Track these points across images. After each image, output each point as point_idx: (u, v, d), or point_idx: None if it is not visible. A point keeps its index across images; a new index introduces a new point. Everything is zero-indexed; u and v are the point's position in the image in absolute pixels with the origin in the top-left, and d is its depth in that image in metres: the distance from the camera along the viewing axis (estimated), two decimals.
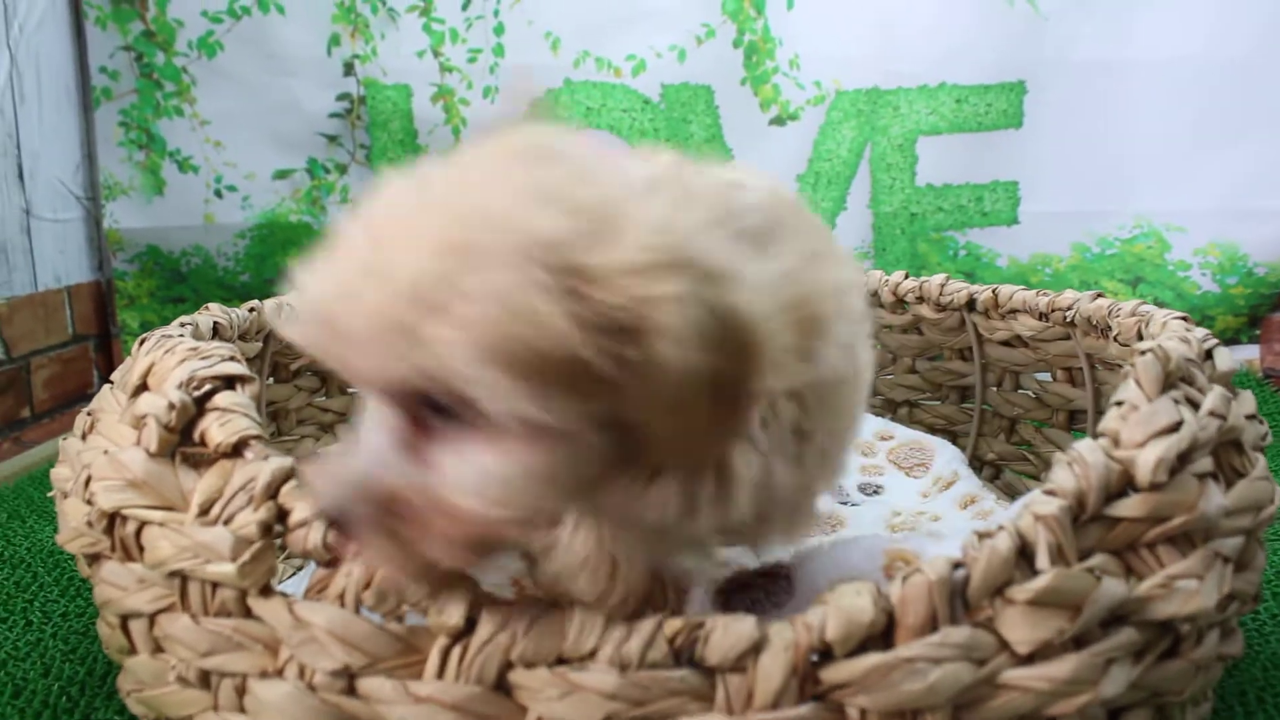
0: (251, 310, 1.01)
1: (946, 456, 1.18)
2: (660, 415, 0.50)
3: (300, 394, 1.19)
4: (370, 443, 0.53)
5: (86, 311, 1.86)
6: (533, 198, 0.49)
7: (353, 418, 1.23)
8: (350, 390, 1.25)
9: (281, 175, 1.89)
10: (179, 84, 1.85)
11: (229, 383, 0.63)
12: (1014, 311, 1.15)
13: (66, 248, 1.82)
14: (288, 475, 0.56)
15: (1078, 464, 0.56)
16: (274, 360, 1.13)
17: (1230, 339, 1.81)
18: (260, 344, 1.06)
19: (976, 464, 1.24)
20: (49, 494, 1.28)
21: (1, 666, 0.83)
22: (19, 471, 1.45)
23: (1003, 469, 1.24)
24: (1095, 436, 1.04)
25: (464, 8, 1.84)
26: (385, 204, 0.53)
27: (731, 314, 0.50)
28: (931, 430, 1.29)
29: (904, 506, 1.07)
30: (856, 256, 1.86)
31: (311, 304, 0.53)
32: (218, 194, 1.88)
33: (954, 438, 1.28)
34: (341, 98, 1.87)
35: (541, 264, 0.47)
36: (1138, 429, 0.58)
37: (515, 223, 0.49)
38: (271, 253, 1.91)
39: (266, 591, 0.55)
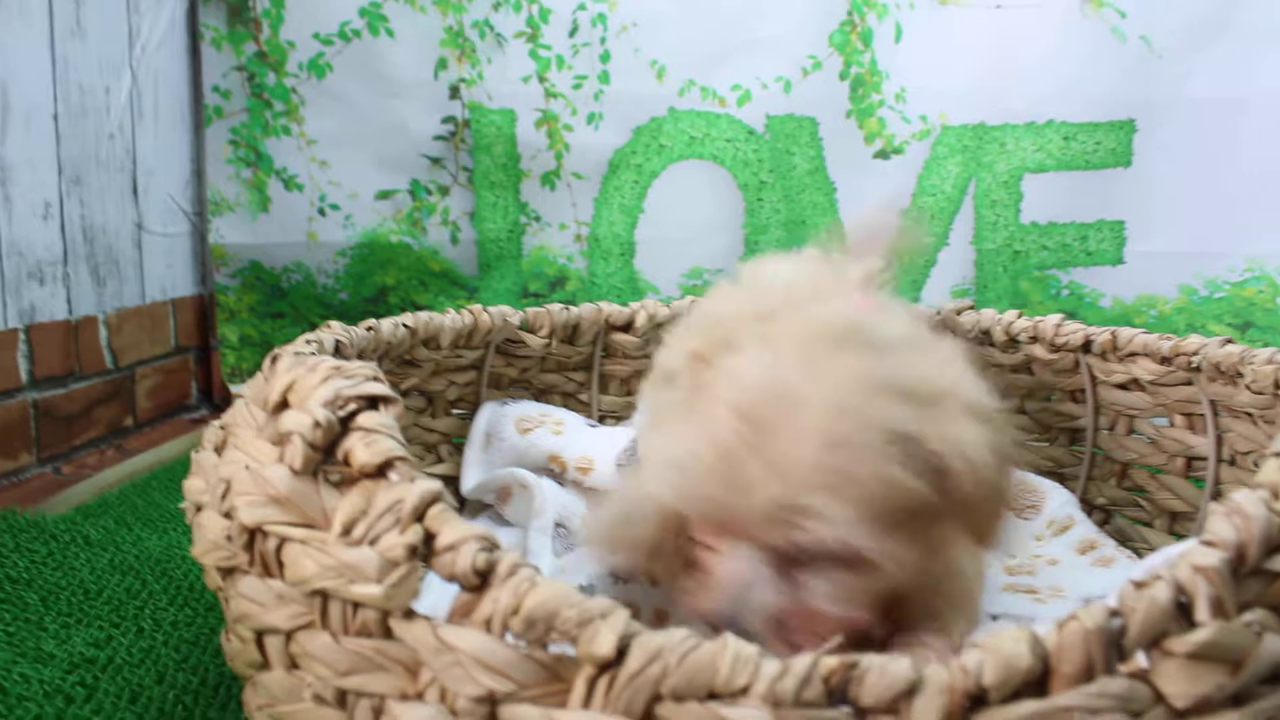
0: (369, 329, 1.02)
1: (1060, 499, 1.15)
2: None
3: (407, 413, 1.20)
4: (742, 569, 0.68)
5: (189, 324, 1.90)
6: (875, 390, 0.66)
7: (456, 438, 1.24)
8: (455, 412, 1.26)
9: (384, 196, 1.92)
10: (288, 104, 1.89)
11: (372, 403, 0.63)
12: (1133, 354, 1.13)
13: (173, 261, 1.86)
14: (435, 498, 0.56)
15: (1237, 515, 0.54)
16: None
17: None
18: (375, 363, 1.07)
19: (1086, 508, 1.21)
20: (161, 501, 1.31)
21: (119, 672, 0.84)
22: (123, 478, 1.47)
23: (1113, 514, 1.21)
24: (1217, 484, 1.02)
25: (571, 34, 1.86)
26: (750, 395, 0.68)
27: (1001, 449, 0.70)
28: (1039, 472, 1.26)
29: (1018, 549, 1.05)
30: (957, 293, 1.84)
31: (696, 483, 0.68)
32: (321, 212, 1.92)
33: (1062, 480, 1.25)
34: (446, 121, 1.89)
35: (899, 447, 0.65)
36: None
37: (873, 417, 0.65)
38: (370, 272, 1.94)
39: (409, 614, 0.55)
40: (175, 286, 1.87)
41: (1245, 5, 1.73)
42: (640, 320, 1.30)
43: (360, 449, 0.59)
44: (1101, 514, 1.22)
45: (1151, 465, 1.17)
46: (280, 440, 0.63)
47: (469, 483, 1.17)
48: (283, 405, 0.67)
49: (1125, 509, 1.20)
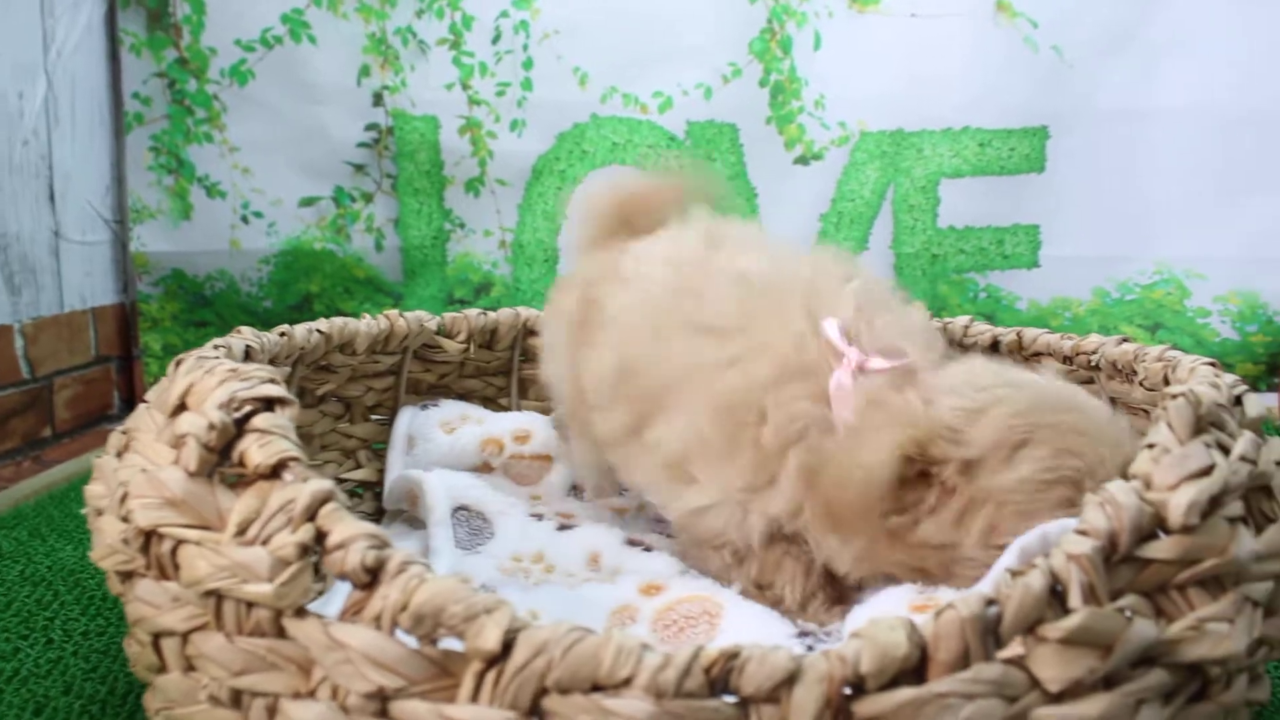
0: (282, 334, 1.02)
1: None
2: None
3: (325, 419, 1.19)
4: None
5: (110, 333, 1.88)
6: None
7: (375, 444, 1.24)
8: (374, 418, 1.26)
9: (308, 203, 1.91)
10: (210, 110, 1.87)
11: (268, 404, 0.63)
12: (1038, 354, 1.15)
13: (93, 270, 1.84)
14: (326, 497, 0.56)
15: (1110, 504, 0.56)
16: (300, 385, 1.14)
17: (1249, 387, 1.81)
18: (289, 368, 1.07)
19: None
20: (78, 512, 1.29)
21: (24, 684, 0.83)
22: (39, 490, 1.45)
23: None
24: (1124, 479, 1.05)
25: (494, 41, 1.86)
26: None
27: None
28: None
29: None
30: None
31: None
32: (244, 220, 1.90)
33: None
34: (370, 128, 1.89)
35: None
36: (1170, 472, 0.58)
37: None
38: (294, 279, 1.93)
39: (301, 612, 0.55)
40: (95, 295, 1.84)
41: (1150, 20, 1.78)
42: None
43: (255, 450, 0.60)
44: None
45: None
46: (177, 443, 0.63)
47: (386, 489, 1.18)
48: (182, 408, 0.67)
49: None
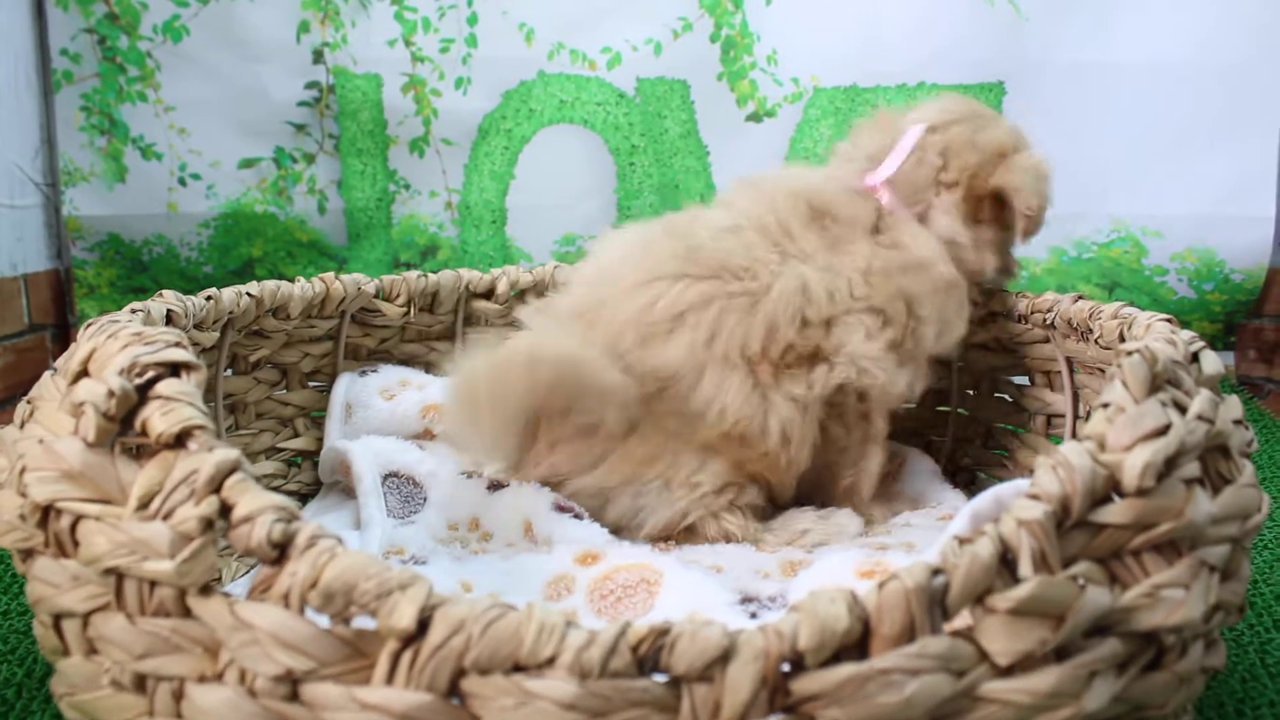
0: (209, 298, 0.97)
1: (920, 471, 1.16)
2: None
3: (259, 386, 1.15)
4: None
5: (44, 300, 1.82)
6: None
7: (314, 411, 1.20)
8: (312, 384, 1.22)
9: (247, 164, 1.85)
10: (143, 68, 1.81)
11: (174, 370, 0.59)
12: (993, 314, 1.13)
13: (24, 235, 1.77)
14: (232, 468, 0.53)
15: (1062, 467, 0.53)
16: (232, 351, 1.09)
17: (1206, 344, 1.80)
18: (217, 334, 1.03)
19: (951, 469, 1.21)
20: None
21: None
22: None
23: (978, 474, 1.22)
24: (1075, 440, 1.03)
25: None
26: None
27: None
28: (906, 435, 1.26)
29: (876, 513, 1.05)
30: None
31: None
32: (181, 182, 1.84)
33: (928, 443, 1.26)
34: (310, 86, 1.83)
35: None
36: (1124, 432, 0.55)
37: None
38: (236, 243, 1.87)
39: (207, 591, 0.52)
40: (27, 261, 1.78)
41: None
42: (502, 287, 1.27)
43: (157, 418, 0.56)
44: (968, 475, 1.23)
45: (1014, 424, 1.18)
46: (76, 412, 0.59)
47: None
48: (83, 375, 0.63)
49: (990, 469, 1.21)
